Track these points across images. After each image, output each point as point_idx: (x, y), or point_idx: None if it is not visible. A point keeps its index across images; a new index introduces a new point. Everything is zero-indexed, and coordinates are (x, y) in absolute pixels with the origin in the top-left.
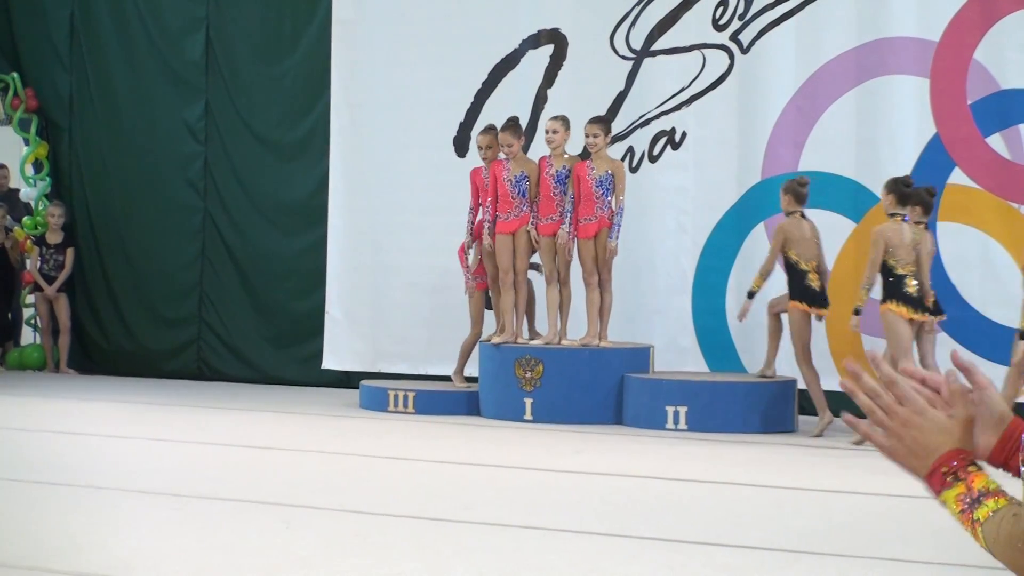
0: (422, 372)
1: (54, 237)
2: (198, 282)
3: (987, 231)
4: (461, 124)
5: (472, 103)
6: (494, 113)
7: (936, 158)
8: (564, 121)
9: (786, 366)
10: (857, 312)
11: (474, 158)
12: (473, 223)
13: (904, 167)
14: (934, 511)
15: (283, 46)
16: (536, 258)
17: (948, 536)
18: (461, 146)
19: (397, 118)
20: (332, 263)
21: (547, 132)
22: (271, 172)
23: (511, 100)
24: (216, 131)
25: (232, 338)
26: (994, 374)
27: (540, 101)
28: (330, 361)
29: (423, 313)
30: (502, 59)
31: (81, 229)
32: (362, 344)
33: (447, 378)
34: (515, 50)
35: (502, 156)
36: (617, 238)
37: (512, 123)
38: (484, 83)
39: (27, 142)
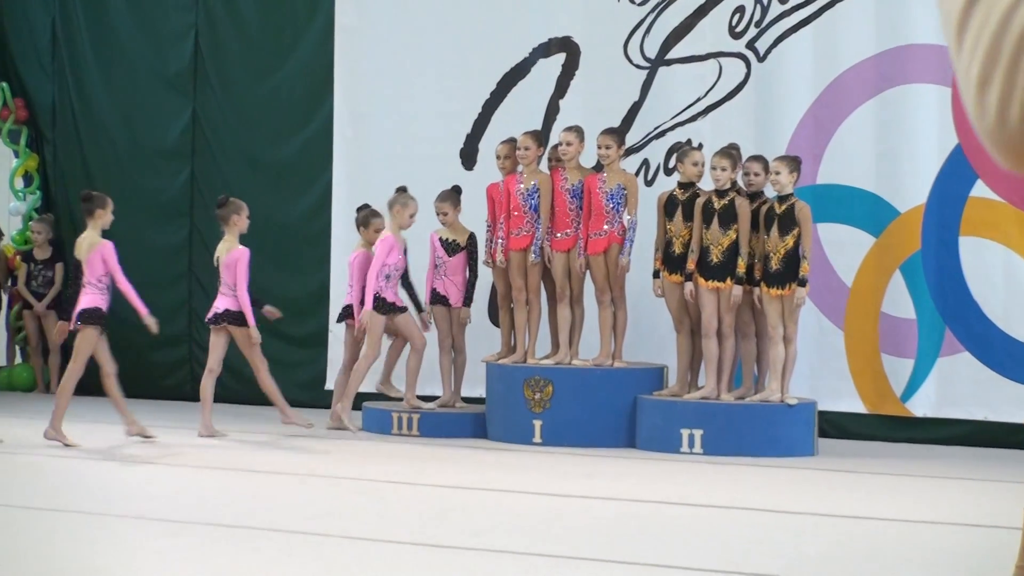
0: (429, 393)
1: (41, 253)
2: (186, 300)
3: (1010, 246)
4: (468, 136)
5: (480, 114)
6: (503, 124)
7: (958, 170)
8: (578, 132)
9: (802, 388)
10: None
11: (482, 170)
12: (493, 240)
13: (925, 179)
14: (954, 537)
15: (279, 54)
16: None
17: (968, 563)
18: (468, 158)
19: (402, 129)
20: (335, 280)
21: (561, 144)
22: (265, 185)
23: (521, 111)
24: (205, 143)
25: (228, 360)
26: (1017, 395)
27: (552, 112)
28: (333, 382)
29: (430, 332)
30: (511, 68)
31: (68, 244)
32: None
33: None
34: (525, 59)
35: (520, 168)
36: (629, 254)
37: (535, 131)
38: (493, 93)
39: (16, 154)
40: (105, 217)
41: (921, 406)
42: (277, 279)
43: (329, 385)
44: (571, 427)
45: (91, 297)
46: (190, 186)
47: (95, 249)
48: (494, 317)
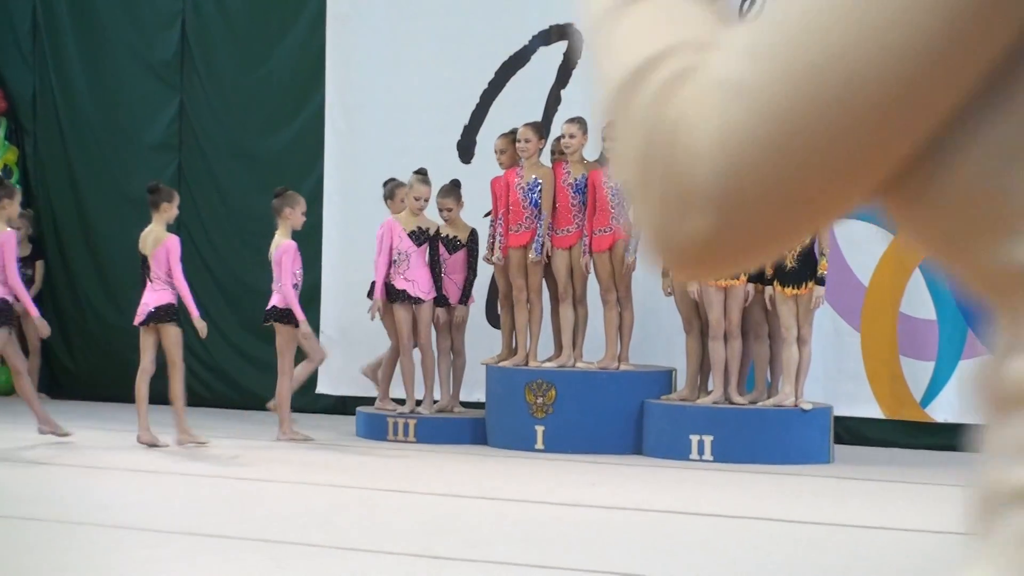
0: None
1: (20, 250)
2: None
3: None
4: (466, 127)
5: (478, 104)
6: (502, 116)
7: None
8: (582, 124)
9: (817, 392)
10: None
11: (480, 164)
12: (494, 236)
13: None
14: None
15: (269, 42)
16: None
17: None
18: (465, 151)
19: (396, 121)
20: (327, 279)
21: (563, 136)
22: (254, 179)
23: (521, 101)
24: (192, 135)
25: (215, 361)
26: None
27: (553, 102)
28: (325, 385)
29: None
30: (510, 57)
31: (48, 241)
32: (358, 367)
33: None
34: (524, 47)
35: (520, 162)
36: (635, 252)
37: (535, 122)
38: (491, 83)
39: None
40: (171, 211)
41: (942, 411)
42: (265, 278)
43: (321, 388)
44: (575, 433)
45: (162, 294)
46: (177, 180)
47: (161, 244)
48: (493, 318)
